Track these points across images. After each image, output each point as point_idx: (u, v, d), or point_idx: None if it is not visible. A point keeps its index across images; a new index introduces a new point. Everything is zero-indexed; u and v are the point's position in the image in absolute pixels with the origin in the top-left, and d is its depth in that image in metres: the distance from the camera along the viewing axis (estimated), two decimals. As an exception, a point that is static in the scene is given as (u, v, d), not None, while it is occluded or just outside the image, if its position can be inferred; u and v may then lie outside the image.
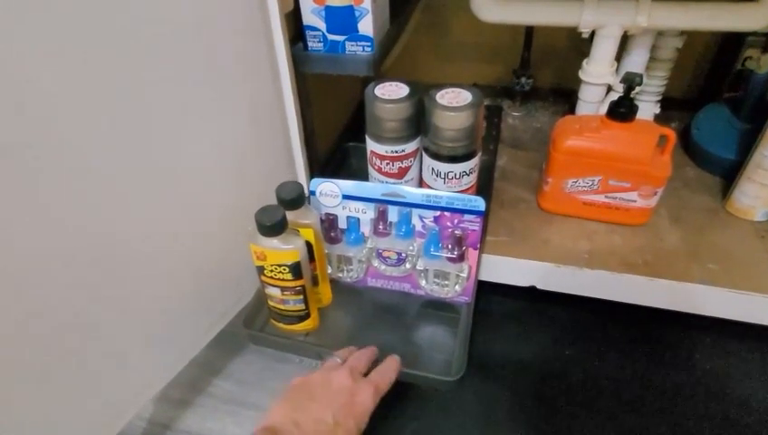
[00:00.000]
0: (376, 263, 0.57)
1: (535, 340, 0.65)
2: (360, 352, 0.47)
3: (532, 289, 0.62)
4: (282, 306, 0.51)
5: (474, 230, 0.51)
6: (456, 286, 0.55)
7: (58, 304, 0.39)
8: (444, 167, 0.55)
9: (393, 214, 0.53)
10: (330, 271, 0.58)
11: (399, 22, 0.65)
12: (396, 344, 0.53)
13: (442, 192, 0.50)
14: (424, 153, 0.57)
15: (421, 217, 0.52)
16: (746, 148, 0.61)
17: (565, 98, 0.87)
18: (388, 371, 0.45)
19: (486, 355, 0.63)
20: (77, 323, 0.41)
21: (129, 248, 0.44)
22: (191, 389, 0.62)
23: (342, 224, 0.55)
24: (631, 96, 0.56)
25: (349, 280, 0.60)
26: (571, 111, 0.75)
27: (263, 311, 0.56)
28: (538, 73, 0.85)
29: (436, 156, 0.55)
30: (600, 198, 0.62)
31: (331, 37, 0.55)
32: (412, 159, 0.57)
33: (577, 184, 0.61)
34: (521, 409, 0.58)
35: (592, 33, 0.64)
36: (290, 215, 0.46)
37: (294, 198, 0.47)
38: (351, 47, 0.56)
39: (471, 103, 0.51)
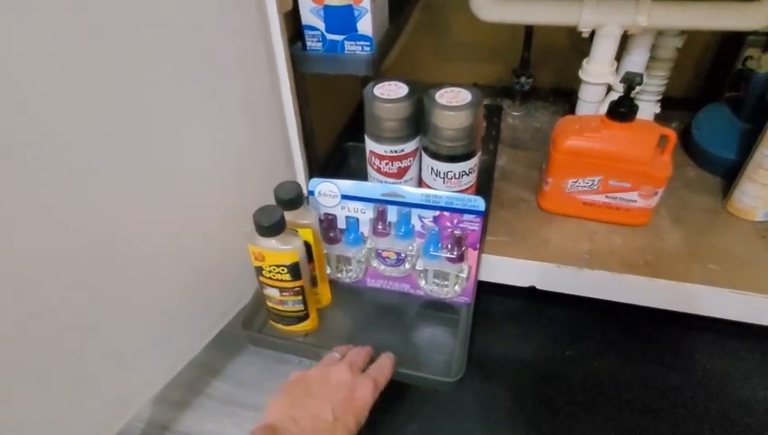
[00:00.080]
0: (375, 263, 0.57)
1: (535, 340, 0.65)
2: (357, 348, 0.47)
3: (532, 289, 0.62)
4: (280, 307, 0.51)
5: (473, 230, 0.51)
6: (456, 287, 0.55)
7: (58, 304, 0.39)
8: (443, 166, 0.55)
9: (392, 214, 0.53)
10: (329, 271, 0.58)
11: (399, 21, 0.65)
12: (395, 345, 0.53)
13: (441, 192, 0.50)
14: (423, 153, 0.56)
15: (420, 217, 0.52)
16: (747, 147, 0.61)
17: (565, 98, 0.87)
18: (385, 367, 0.45)
19: (486, 355, 0.63)
20: (77, 323, 0.41)
21: (129, 248, 0.44)
22: (190, 390, 0.62)
23: (341, 224, 0.55)
24: (631, 96, 0.56)
25: (348, 280, 0.59)
26: (571, 110, 0.74)
27: (261, 312, 0.56)
28: (538, 73, 0.85)
29: (436, 155, 0.55)
30: (601, 199, 0.61)
31: (329, 37, 0.55)
32: (411, 158, 0.57)
33: (577, 184, 0.61)
34: (521, 409, 0.58)
35: (592, 33, 0.64)
36: (288, 215, 0.46)
37: (293, 199, 0.47)
38: (350, 47, 0.55)
39: (470, 103, 0.51)
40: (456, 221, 0.51)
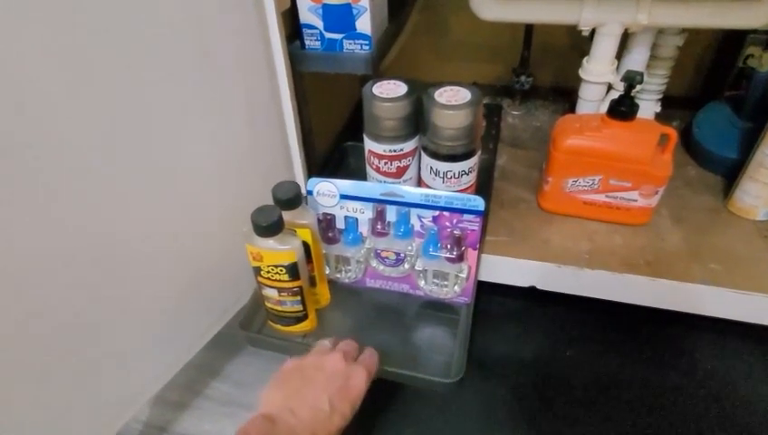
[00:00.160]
0: (374, 263, 0.57)
1: (535, 340, 0.65)
2: (347, 340, 0.47)
3: (533, 289, 0.62)
4: (279, 308, 0.50)
5: (473, 230, 0.50)
6: (456, 287, 0.55)
7: (58, 304, 0.39)
8: (443, 166, 0.54)
9: (391, 214, 0.52)
10: (328, 271, 0.58)
11: (398, 20, 0.65)
12: (395, 345, 0.53)
13: (441, 192, 0.50)
14: (422, 152, 0.56)
15: (420, 217, 0.52)
16: (748, 147, 0.61)
17: (565, 97, 0.87)
18: (374, 356, 0.46)
19: (486, 356, 0.63)
20: (77, 323, 0.41)
21: (129, 248, 0.44)
22: (188, 391, 0.62)
23: (340, 224, 0.55)
24: (632, 95, 0.56)
25: (347, 281, 0.59)
26: (572, 109, 0.74)
27: (260, 312, 0.55)
28: (538, 72, 0.85)
29: (435, 155, 0.54)
30: (601, 198, 0.61)
31: (328, 35, 0.55)
32: (411, 158, 0.57)
33: (577, 183, 0.61)
34: (521, 409, 0.57)
35: (592, 32, 0.64)
36: (286, 215, 0.46)
37: (291, 198, 0.46)
38: (349, 45, 0.55)
39: (470, 102, 0.51)
40: (455, 221, 0.50)
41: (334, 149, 0.77)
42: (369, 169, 0.60)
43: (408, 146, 0.56)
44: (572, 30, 0.63)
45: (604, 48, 0.64)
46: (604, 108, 0.60)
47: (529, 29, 0.80)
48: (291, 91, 0.57)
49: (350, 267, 0.58)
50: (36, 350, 0.38)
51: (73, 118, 0.36)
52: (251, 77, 0.53)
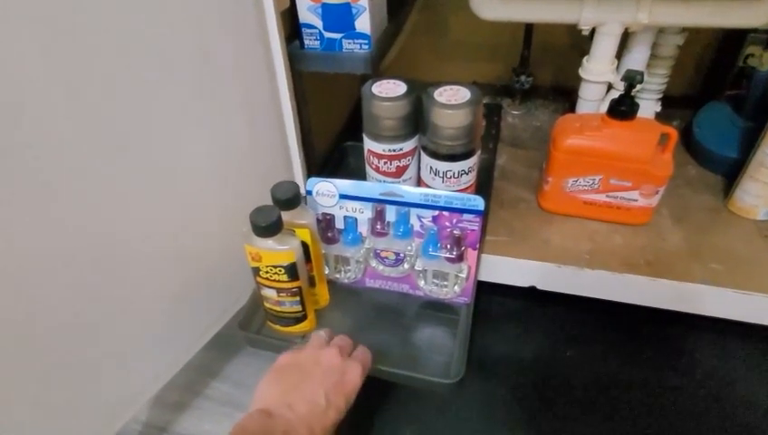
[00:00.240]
0: (374, 263, 0.56)
1: (535, 341, 0.65)
2: (341, 335, 0.47)
3: (533, 289, 0.61)
4: (278, 308, 0.50)
5: (473, 230, 0.50)
6: (456, 287, 0.55)
7: (58, 304, 0.39)
8: (442, 165, 0.54)
9: (391, 214, 0.52)
10: (327, 272, 0.58)
11: (398, 20, 0.65)
12: (394, 346, 0.53)
13: (440, 191, 0.50)
14: (422, 152, 0.56)
15: (419, 217, 0.51)
16: (748, 146, 0.60)
17: (565, 96, 0.86)
18: (367, 352, 0.46)
19: (486, 356, 0.63)
20: (77, 323, 0.41)
21: (129, 248, 0.44)
22: (188, 391, 0.62)
23: (340, 224, 0.54)
24: (632, 94, 0.56)
25: (346, 281, 0.59)
26: (572, 109, 0.74)
27: (259, 312, 0.55)
28: (538, 72, 0.85)
29: (435, 154, 0.54)
30: (601, 198, 0.61)
31: (327, 35, 0.55)
32: (410, 157, 0.57)
33: (577, 183, 0.61)
34: (521, 409, 0.57)
35: (593, 31, 0.64)
36: (285, 215, 0.46)
37: (290, 198, 0.46)
38: (348, 45, 0.55)
39: (470, 101, 0.51)
40: (455, 221, 0.50)
41: (334, 148, 0.77)
42: (368, 169, 0.60)
43: (408, 145, 0.55)
44: (572, 29, 0.63)
45: (604, 47, 0.64)
46: (604, 107, 0.60)
47: (529, 28, 0.80)
48: (290, 90, 0.57)
49: (349, 267, 0.58)
50: (36, 350, 0.39)
51: (73, 118, 0.36)
52: (250, 77, 0.53)
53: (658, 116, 0.74)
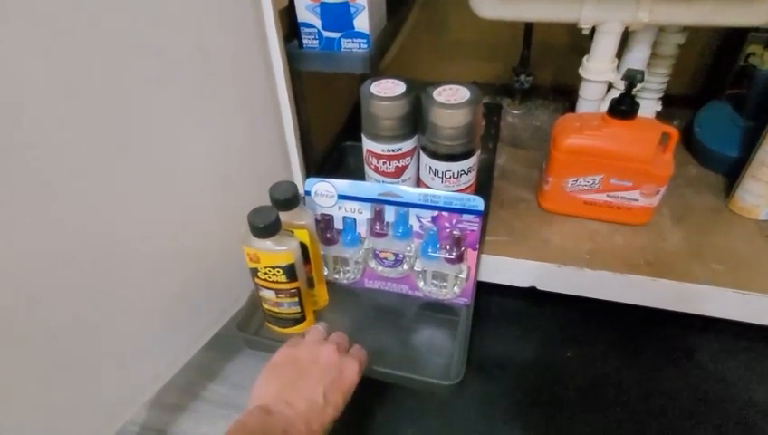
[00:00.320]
0: (373, 264, 0.56)
1: (535, 341, 0.64)
2: (338, 332, 0.47)
3: (533, 290, 0.61)
4: (276, 309, 0.50)
5: (472, 230, 0.50)
6: (455, 288, 0.54)
7: (58, 304, 0.39)
8: (442, 165, 0.54)
9: (390, 214, 0.52)
10: (326, 272, 0.57)
11: (397, 19, 0.64)
12: (393, 347, 0.53)
13: (440, 192, 0.49)
14: (421, 152, 0.56)
15: (419, 218, 0.51)
16: (750, 145, 0.60)
17: (565, 96, 0.86)
18: (363, 350, 0.46)
19: (486, 357, 0.63)
20: (77, 323, 0.41)
21: (129, 248, 0.44)
22: (186, 393, 0.61)
23: (338, 224, 0.54)
24: (633, 93, 0.55)
25: (345, 282, 0.59)
26: (572, 108, 0.74)
27: (257, 313, 0.55)
28: (538, 71, 0.84)
29: (434, 154, 0.54)
30: (602, 198, 0.61)
31: (326, 34, 0.54)
32: (409, 157, 0.56)
33: (578, 183, 0.60)
34: (521, 411, 0.57)
35: (593, 30, 0.63)
36: (284, 216, 0.45)
37: (288, 199, 0.46)
38: (347, 44, 0.55)
39: (469, 100, 0.50)
40: (454, 221, 0.50)
41: (332, 148, 0.77)
42: (367, 169, 0.59)
43: (407, 145, 0.55)
44: (572, 28, 0.63)
45: (604, 46, 0.63)
46: (604, 107, 0.60)
47: (529, 27, 0.80)
48: (288, 90, 0.56)
49: (348, 268, 0.58)
50: (36, 350, 0.39)
51: (73, 118, 0.36)
52: (248, 76, 0.53)
53: (659, 115, 0.73)
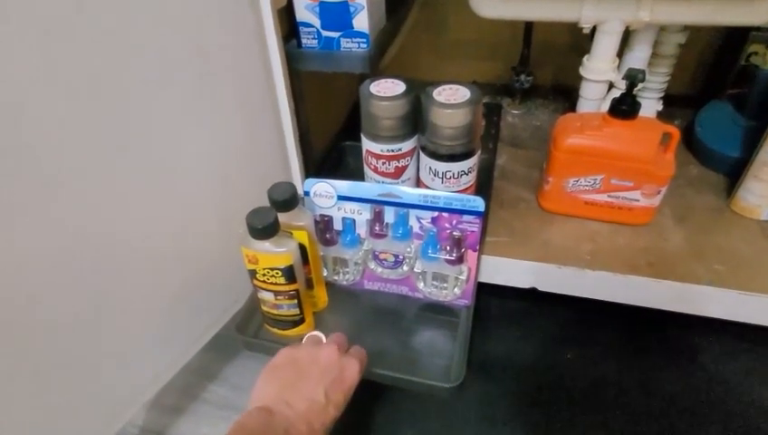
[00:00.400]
0: (372, 265, 0.56)
1: (536, 342, 0.64)
2: (337, 332, 0.47)
3: (533, 291, 0.61)
4: (275, 311, 0.50)
5: (473, 231, 0.50)
6: (455, 289, 0.54)
7: (58, 304, 0.39)
8: (442, 166, 0.54)
9: (390, 215, 0.52)
10: (325, 274, 0.57)
11: (396, 18, 0.64)
12: (393, 349, 0.52)
13: (440, 192, 0.49)
14: (421, 152, 0.55)
15: (419, 218, 0.51)
16: (751, 145, 0.60)
17: (566, 95, 0.86)
18: (363, 350, 0.46)
19: (486, 358, 0.62)
20: (77, 323, 0.41)
21: (129, 248, 0.44)
22: (185, 395, 0.61)
23: (338, 225, 0.54)
24: (633, 93, 0.55)
25: (345, 283, 0.58)
26: (572, 108, 0.73)
27: (256, 315, 0.55)
28: (538, 71, 0.84)
29: (434, 155, 0.54)
30: (602, 198, 0.60)
31: (325, 34, 0.54)
32: (409, 158, 0.56)
33: (578, 183, 0.60)
34: (521, 411, 0.57)
35: (593, 29, 0.63)
36: (282, 217, 0.45)
37: (287, 200, 0.46)
38: (347, 44, 0.54)
39: (469, 100, 0.50)
40: (454, 222, 0.49)
41: (332, 148, 0.76)
42: (366, 170, 0.59)
43: (407, 146, 0.55)
44: (573, 28, 0.62)
45: (605, 46, 0.63)
46: (605, 106, 0.59)
47: (529, 27, 0.80)
48: (287, 90, 0.56)
49: (347, 269, 0.57)
50: (36, 350, 0.39)
51: (73, 118, 0.36)
52: (247, 76, 0.53)
53: (660, 115, 0.73)
